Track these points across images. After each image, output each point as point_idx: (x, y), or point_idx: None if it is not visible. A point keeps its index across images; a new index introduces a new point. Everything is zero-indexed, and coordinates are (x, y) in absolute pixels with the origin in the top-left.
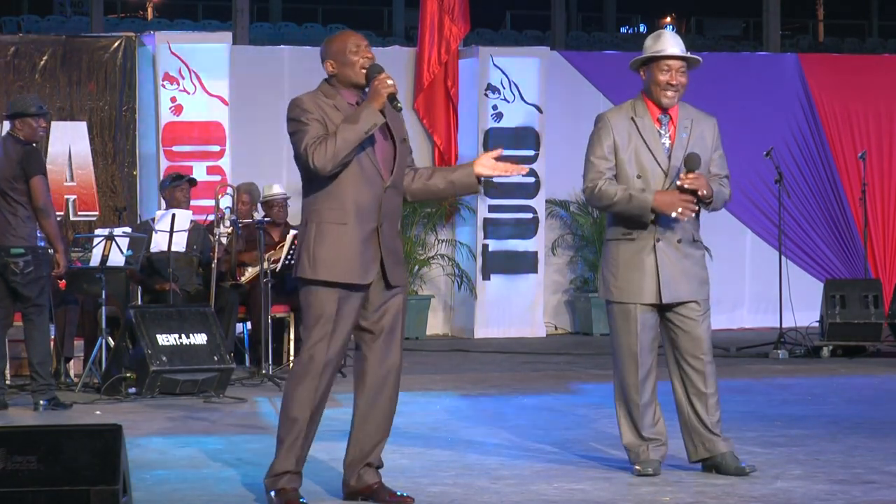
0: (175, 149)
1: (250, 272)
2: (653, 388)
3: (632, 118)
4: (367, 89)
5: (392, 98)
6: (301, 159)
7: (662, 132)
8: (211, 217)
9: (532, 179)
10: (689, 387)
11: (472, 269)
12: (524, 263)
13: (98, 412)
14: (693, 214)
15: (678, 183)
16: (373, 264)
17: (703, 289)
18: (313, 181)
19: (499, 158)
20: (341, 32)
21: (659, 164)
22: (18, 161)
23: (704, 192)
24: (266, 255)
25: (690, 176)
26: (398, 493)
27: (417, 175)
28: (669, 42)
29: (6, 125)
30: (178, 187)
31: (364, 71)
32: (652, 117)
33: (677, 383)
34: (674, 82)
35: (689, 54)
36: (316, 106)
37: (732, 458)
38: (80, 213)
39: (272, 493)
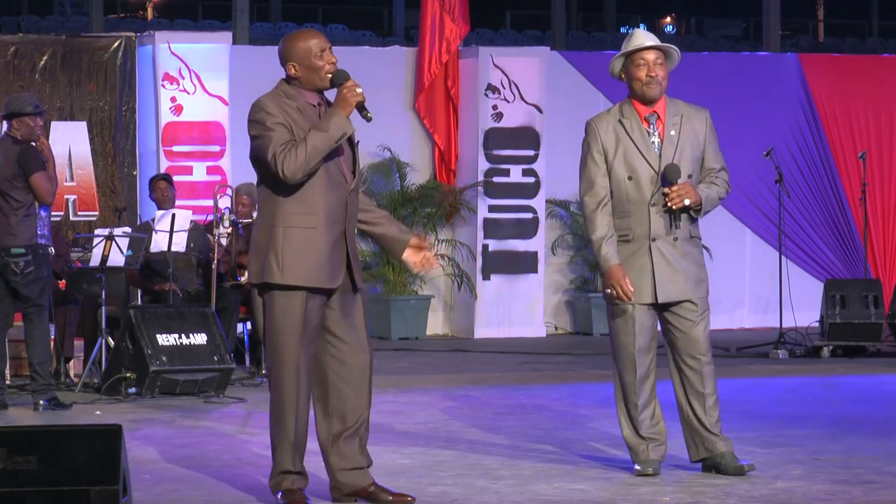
0: (175, 149)
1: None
2: (651, 387)
3: (619, 120)
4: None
5: (361, 107)
6: (266, 165)
7: (651, 131)
8: (211, 217)
9: (532, 179)
10: (688, 387)
11: (472, 269)
12: (524, 263)
13: (98, 412)
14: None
15: (667, 204)
16: (340, 268)
17: (699, 288)
18: (279, 185)
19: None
20: (301, 32)
21: (649, 164)
22: (16, 160)
23: (691, 200)
24: None
25: (674, 190)
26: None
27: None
28: (640, 38)
29: (4, 125)
30: (153, 187)
31: (330, 76)
32: (639, 117)
33: (677, 383)
34: (653, 74)
35: (660, 44)
36: (279, 109)
37: (732, 458)
38: (80, 213)
39: (278, 495)
